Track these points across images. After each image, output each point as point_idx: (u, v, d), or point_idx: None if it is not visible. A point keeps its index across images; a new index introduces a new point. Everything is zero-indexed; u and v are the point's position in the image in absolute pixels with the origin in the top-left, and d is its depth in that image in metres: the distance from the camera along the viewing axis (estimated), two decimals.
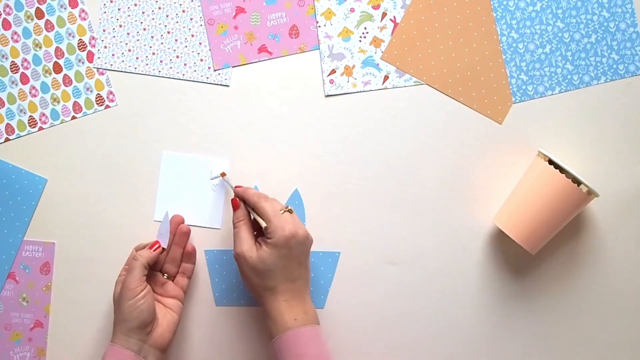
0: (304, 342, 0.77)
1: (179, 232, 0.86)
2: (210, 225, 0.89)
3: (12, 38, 0.89)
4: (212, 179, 0.89)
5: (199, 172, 0.89)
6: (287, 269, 0.79)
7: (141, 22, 0.89)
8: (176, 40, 0.90)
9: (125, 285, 0.79)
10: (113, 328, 0.80)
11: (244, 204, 0.83)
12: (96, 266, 0.89)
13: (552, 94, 0.89)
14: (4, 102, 0.89)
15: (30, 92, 0.89)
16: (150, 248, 0.83)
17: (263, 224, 0.80)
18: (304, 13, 0.90)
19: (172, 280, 0.86)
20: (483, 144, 0.89)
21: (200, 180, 0.89)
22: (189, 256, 0.87)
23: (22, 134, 0.89)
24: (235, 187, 0.85)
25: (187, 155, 0.89)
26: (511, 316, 0.89)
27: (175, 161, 0.89)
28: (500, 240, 0.89)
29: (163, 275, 0.86)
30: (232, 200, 0.83)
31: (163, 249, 0.84)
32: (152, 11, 0.89)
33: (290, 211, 0.81)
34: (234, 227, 0.82)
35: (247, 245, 0.80)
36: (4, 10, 0.89)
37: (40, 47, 0.89)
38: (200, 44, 0.89)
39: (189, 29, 0.90)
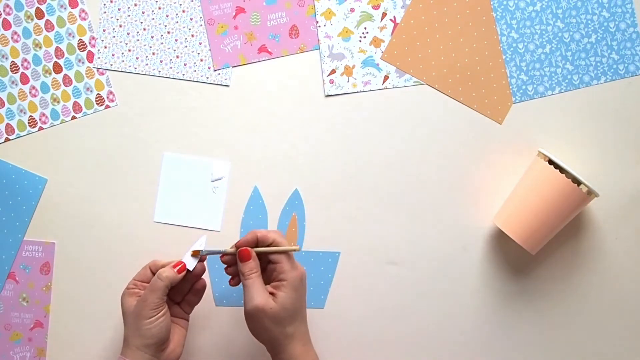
0: None
1: (197, 286, 0.83)
2: (210, 227, 0.89)
3: (12, 38, 0.89)
4: (212, 181, 0.89)
5: (200, 173, 0.89)
6: (302, 309, 0.79)
7: (141, 22, 0.89)
8: (176, 40, 0.90)
9: (146, 304, 0.77)
10: (124, 341, 0.78)
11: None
12: (96, 266, 0.89)
13: (552, 94, 0.89)
14: (4, 102, 0.89)
15: (30, 92, 0.89)
16: (175, 267, 0.79)
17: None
18: (304, 13, 0.90)
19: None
20: (483, 144, 0.89)
21: (200, 182, 0.89)
22: (197, 292, 0.83)
23: (22, 134, 0.89)
24: (237, 243, 0.79)
25: (188, 157, 0.89)
26: (511, 316, 0.89)
27: (176, 162, 0.89)
28: (500, 240, 0.89)
29: None
30: (241, 251, 0.78)
31: (188, 270, 0.80)
32: (152, 11, 0.89)
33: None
34: (245, 279, 0.77)
35: (263, 296, 0.76)
36: (4, 10, 0.89)
37: (40, 47, 0.89)
38: (200, 44, 0.90)
39: (189, 29, 0.90)
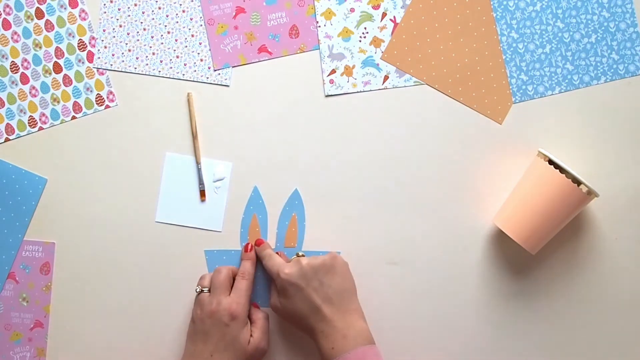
0: None
1: None
2: (211, 227, 0.89)
3: (12, 38, 0.89)
4: (214, 182, 0.89)
5: (202, 173, 0.89)
6: (305, 301, 0.80)
7: (141, 22, 0.89)
8: (176, 40, 0.89)
9: (243, 316, 0.82)
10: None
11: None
12: (96, 266, 0.89)
13: (552, 94, 0.89)
14: (4, 102, 0.89)
15: (30, 92, 0.89)
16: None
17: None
18: (304, 13, 0.90)
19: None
20: (483, 144, 0.89)
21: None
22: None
23: (22, 134, 0.89)
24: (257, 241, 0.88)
25: (189, 157, 0.89)
26: (511, 316, 0.89)
27: (177, 162, 0.89)
28: (500, 240, 0.89)
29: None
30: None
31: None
32: (152, 11, 0.89)
33: (302, 256, 0.85)
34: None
35: (274, 296, 0.85)
36: (4, 10, 0.89)
37: (40, 47, 0.89)
38: (200, 44, 0.89)
39: (189, 29, 0.90)
